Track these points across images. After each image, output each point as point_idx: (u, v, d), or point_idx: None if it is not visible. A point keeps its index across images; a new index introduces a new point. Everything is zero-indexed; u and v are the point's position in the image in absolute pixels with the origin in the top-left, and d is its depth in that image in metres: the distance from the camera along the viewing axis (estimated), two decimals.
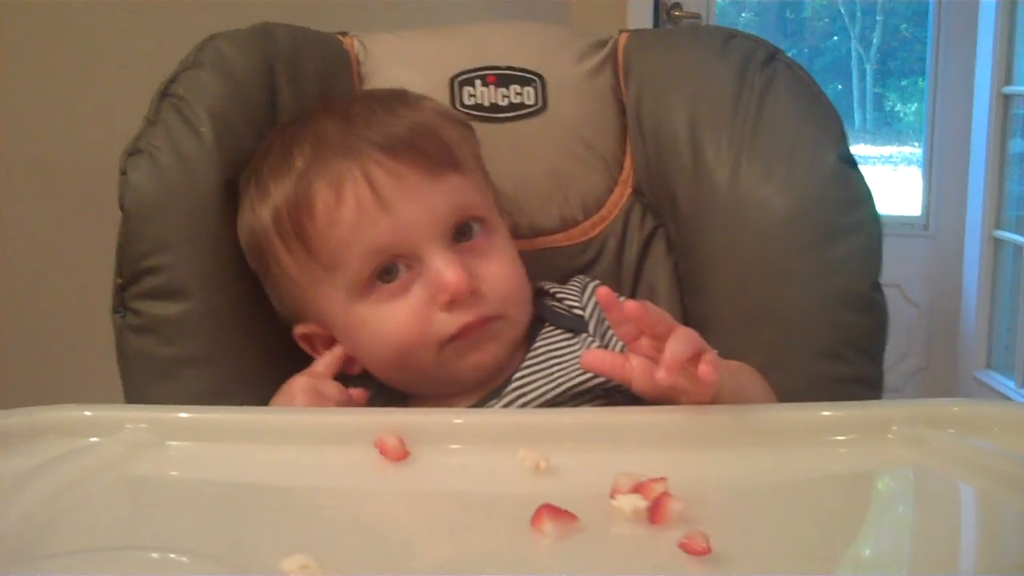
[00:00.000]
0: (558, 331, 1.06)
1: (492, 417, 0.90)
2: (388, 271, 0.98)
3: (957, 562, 0.68)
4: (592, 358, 0.90)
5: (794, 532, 0.71)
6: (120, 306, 1.05)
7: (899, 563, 0.69)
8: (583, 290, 1.10)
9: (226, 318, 1.04)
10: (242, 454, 0.81)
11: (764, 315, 1.06)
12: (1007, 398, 3.06)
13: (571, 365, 1.01)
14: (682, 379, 0.83)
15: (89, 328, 1.66)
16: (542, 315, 1.08)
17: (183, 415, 0.85)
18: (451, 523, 0.73)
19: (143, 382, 1.04)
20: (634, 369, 0.86)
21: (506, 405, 0.99)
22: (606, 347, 1.04)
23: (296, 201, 0.98)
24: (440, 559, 0.68)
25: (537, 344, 1.05)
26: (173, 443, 0.82)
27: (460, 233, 1.00)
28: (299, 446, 0.82)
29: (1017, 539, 0.70)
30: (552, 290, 1.11)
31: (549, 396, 0.99)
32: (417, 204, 0.97)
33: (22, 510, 0.68)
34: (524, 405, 0.99)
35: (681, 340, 0.82)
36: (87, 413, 0.84)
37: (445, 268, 0.96)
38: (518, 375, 1.01)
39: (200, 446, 0.82)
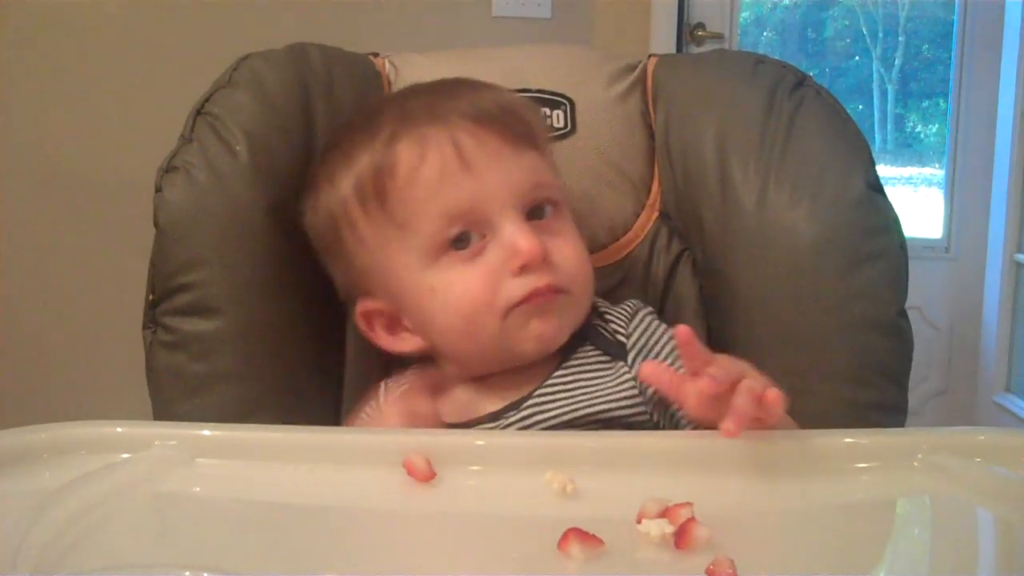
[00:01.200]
0: (596, 352, 1.06)
1: (519, 439, 0.90)
2: (461, 238, 0.99)
3: None
4: (651, 370, 0.88)
5: (819, 559, 0.71)
6: (151, 322, 1.06)
7: None
8: (632, 316, 1.08)
9: (256, 336, 1.05)
10: (271, 472, 0.81)
11: (789, 340, 1.06)
12: None
13: (596, 392, 1.01)
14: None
15: (118, 344, 1.67)
16: (584, 332, 1.06)
17: (212, 432, 0.85)
18: (478, 545, 0.73)
19: (172, 398, 1.04)
20: (690, 395, 0.84)
21: (523, 419, 0.99)
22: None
23: (380, 164, 1.00)
24: None
25: (571, 361, 1.04)
26: (202, 460, 0.82)
27: (533, 212, 1.02)
28: (327, 465, 0.82)
29: None
30: (601, 308, 1.10)
31: (566, 419, 0.99)
32: (500, 171, 0.99)
33: (53, 526, 0.68)
34: (538, 423, 0.99)
35: (746, 394, 0.81)
36: (118, 429, 0.84)
37: (519, 235, 0.97)
38: (540, 390, 1.01)
39: (229, 464, 0.83)
